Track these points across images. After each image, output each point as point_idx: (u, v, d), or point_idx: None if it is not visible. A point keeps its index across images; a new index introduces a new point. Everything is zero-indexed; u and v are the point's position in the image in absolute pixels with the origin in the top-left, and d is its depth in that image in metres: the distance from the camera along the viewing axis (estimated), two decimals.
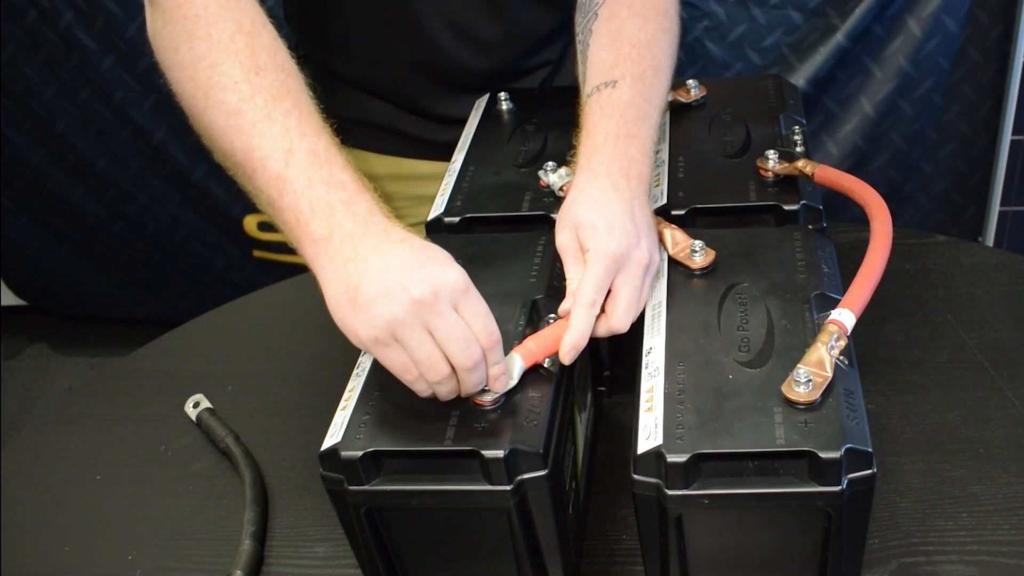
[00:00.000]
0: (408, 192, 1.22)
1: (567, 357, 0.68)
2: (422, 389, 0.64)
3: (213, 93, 0.71)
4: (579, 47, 0.92)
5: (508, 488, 0.61)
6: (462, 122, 1.05)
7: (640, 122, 0.80)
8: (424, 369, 0.63)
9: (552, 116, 1.00)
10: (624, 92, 0.81)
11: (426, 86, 1.12)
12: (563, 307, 0.71)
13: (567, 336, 0.68)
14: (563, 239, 0.75)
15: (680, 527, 0.62)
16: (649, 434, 0.60)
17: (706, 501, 0.59)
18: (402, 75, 1.12)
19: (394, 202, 1.22)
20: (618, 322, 0.70)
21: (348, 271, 0.64)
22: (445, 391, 0.64)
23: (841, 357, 0.63)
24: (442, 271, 0.64)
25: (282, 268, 2.09)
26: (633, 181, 0.76)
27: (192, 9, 0.73)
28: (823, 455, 0.57)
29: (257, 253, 2.12)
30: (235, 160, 0.71)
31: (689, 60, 1.78)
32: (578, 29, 0.93)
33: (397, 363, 0.63)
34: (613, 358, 0.91)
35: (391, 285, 0.62)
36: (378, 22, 1.06)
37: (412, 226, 1.23)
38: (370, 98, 1.16)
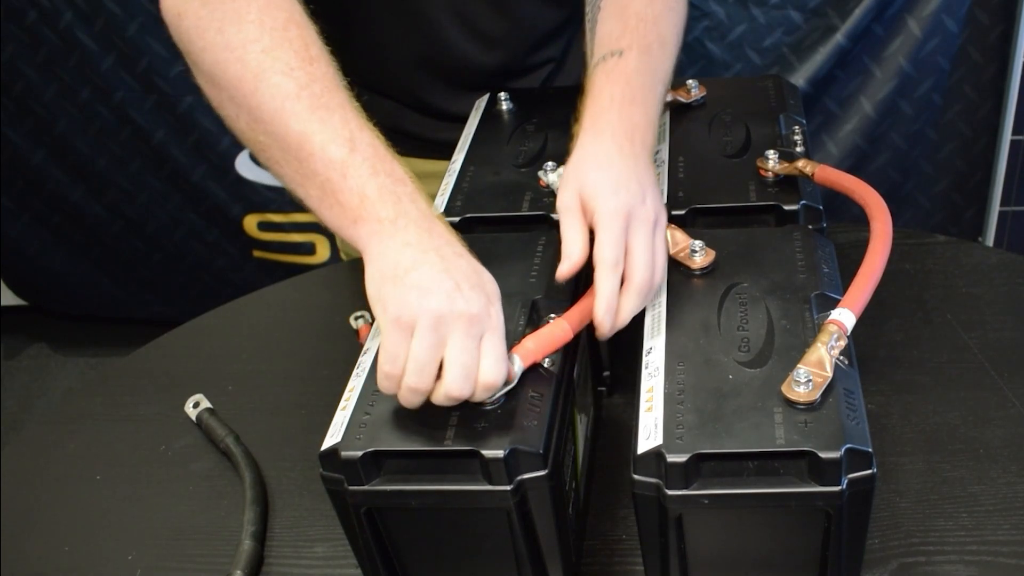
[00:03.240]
0: None
1: (605, 326, 0.67)
2: (388, 386, 0.63)
3: (267, 76, 0.71)
4: (587, 24, 0.92)
5: (508, 488, 0.61)
6: (464, 120, 1.05)
7: (646, 90, 0.79)
8: (413, 370, 0.62)
9: (552, 116, 1.00)
10: (631, 61, 0.81)
11: (431, 82, 1.12)
12: (561, 271, 0.70)
13: (599, 304, 0.67)
14: (565, 198, 0.73)
15: (680, 527, 0.62)
16: (649, 434, 0.60)
17: (706, 501, 0.59)
18: (407, 71, 1.12)
19: None
20: (640, 280, 0.69)
21: (404, 254, 0.65)
22: (411, 398, 0.63)
23: (841, 357, 0.63)
24: (488, 302, 0.64)
25: (282, 268, 2.09)
26: (637, 145, 0.75)
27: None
28: (823, 455, 0.57)
29: (257, 253, 2.12)
30: (287, 142, 0.70)
31: (689, 60, 1.78)
32: (588, 7, 0.93)
33: (392, 349, 0.62)
34: (613, 358, 0.91)
35: (443, 285, 0.63)
36: (384, 16, 1.06)
37: None
38: (373, 96, 1.16)
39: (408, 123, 1.16)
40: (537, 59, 1.15)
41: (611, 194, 0.70)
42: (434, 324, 0.62)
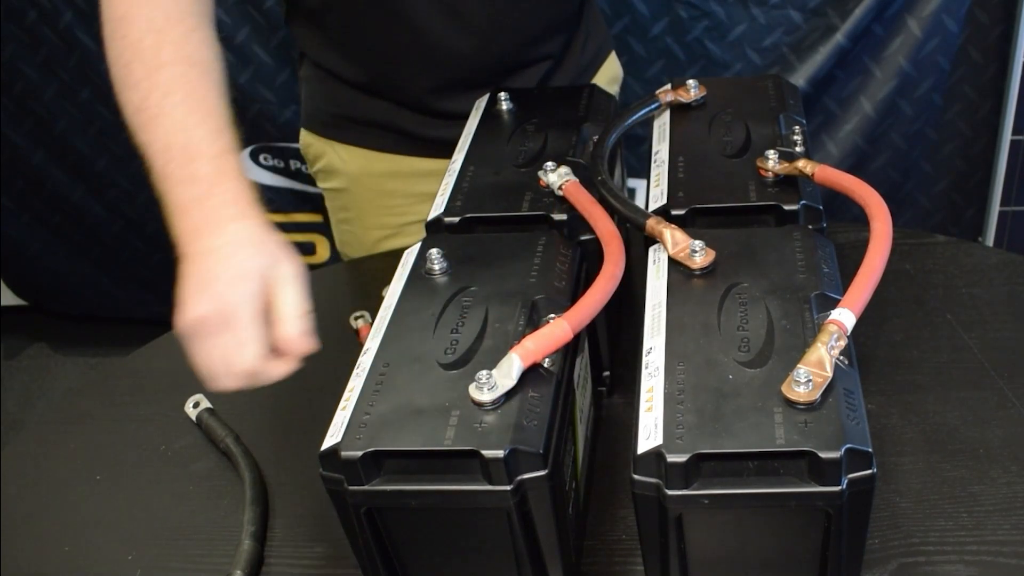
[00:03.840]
0: (408, 189, 1.22)
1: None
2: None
3: (123, 92, 0.79)
4: None
5: (508, 488, 0.61)
6: (462, 118, 1.05)
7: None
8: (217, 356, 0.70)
9: (552, 116, 1.01)
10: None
11: (425, 80, 1.12)
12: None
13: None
14: None
15: (680, 527, 0.62)
16: (649, 434, 0.60)
17: (706, 501, 0.59)
18: (400, 71, 1.12)
19: (394, 199, 1.22)
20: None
21: (188, 268, 0.74)
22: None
23: (841, 357, 0.63)
24: (275, 257, 0.73)
25: None
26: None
27: (118, 10, 0.79)
28: (823, 455, 0.57)
29: None
30: (138, 144, 0.77)
31: (689, 60, 1.78)
32: None
33: (202, 354, 0.72)
34: (613, 358, 0.91)
35: (204, 290, 0.72)
36: (369, 12, 1.06)
37: (413, 224, 1.23)
38: (369, 96, 1.16)
39: (405, 122, 1.16)
40: (534, 55, 1.14)
41: None
42: (200, 333, 0.73)
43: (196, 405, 0.95)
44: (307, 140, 1.25)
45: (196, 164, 0.73)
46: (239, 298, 0.70)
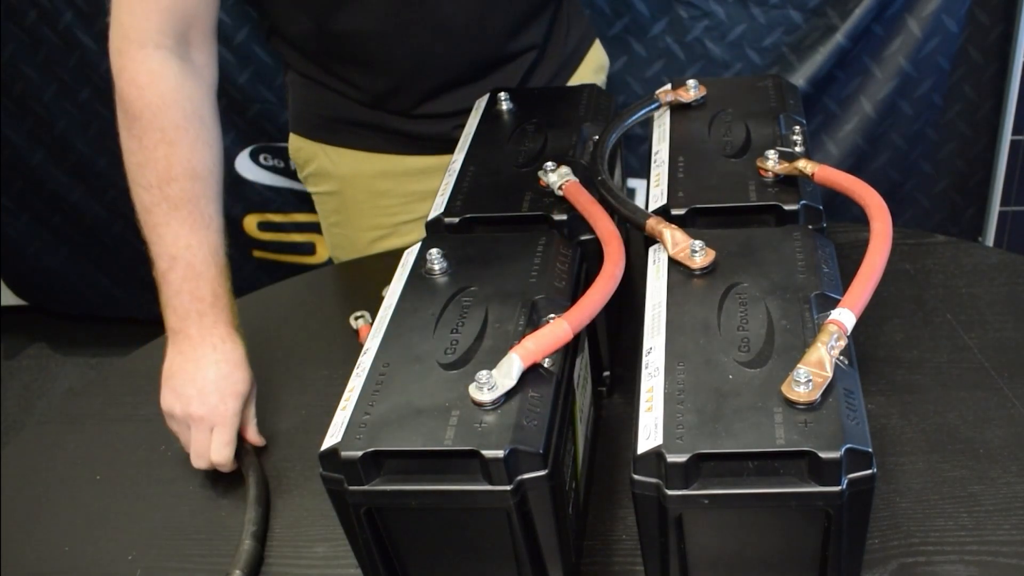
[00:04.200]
0: (400, 189, 1.22)
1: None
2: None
3: (135, 189, 0.92)
4: None
5: (508, 488, 0.61)
6: (453, 115, 1.05)
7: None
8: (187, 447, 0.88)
9: (552, 116, 1.01)
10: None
11: (411, 88, 1.12)
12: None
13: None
14: None
15: (680, 527, 0.62)
16: (649, 434, 0.60)
17: (706, 501, 0.59)
18: (385, 83, 1.12)
19: (386, 199, 1.22)
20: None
21: (175, 361, 0.88)
22: (196, 461, 0.88)
23: (841, 357, 0.63)
24: (220, 401, 0.86)
25: (282, 268, 2.09)
26: None
27: (132, 107, 0.90)
28: (823, 455, 0.57)
29: (257, 253, 2.12)
30: (144, 238, 0.91)
31: (689, 60, 1.78)
32: None
33: (173, 430, 0.89)
34: (613, 358, 0.91)
35: (187, 391, 0.87)
36: (349, 40, 1.07)
37: (406, 223, 1.23)
38: (357, 103, 1.16)
39: (394, 122, 1.16)
40: (516, 47, 1.15)
41: None
42: (181, 419, 0.87)
43: None
44: (297, 144, 1.25)
45: (199, 283, 0.88)
46: (204, 412, 0.86)
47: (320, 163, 1.23)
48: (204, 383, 0.86)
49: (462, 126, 1.02)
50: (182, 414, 0.86)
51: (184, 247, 0.88)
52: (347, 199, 1.25)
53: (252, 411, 0.91)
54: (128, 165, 0.92)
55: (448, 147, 1.15)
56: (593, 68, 1.27)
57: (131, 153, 0.92)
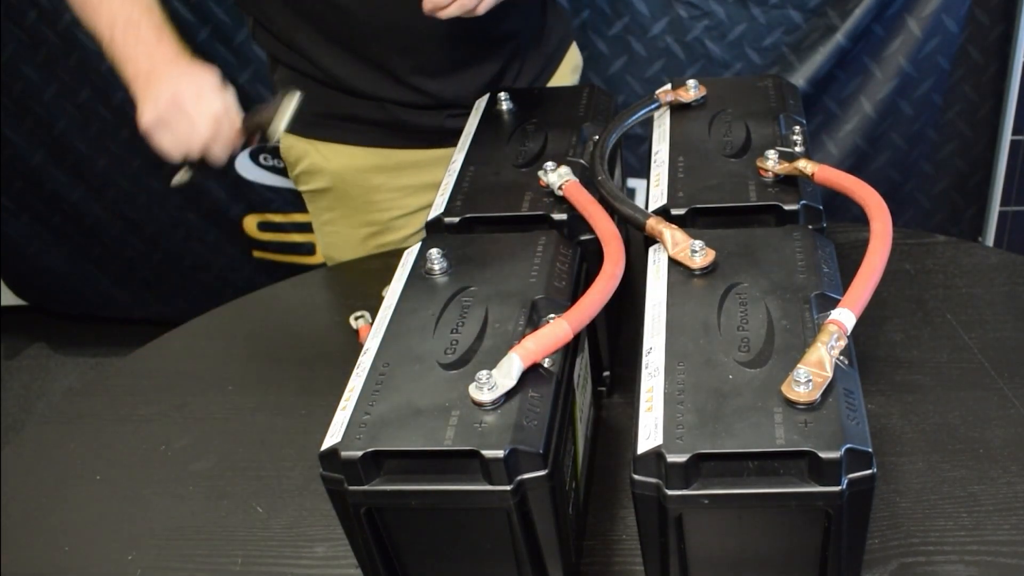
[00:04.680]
0: (393, 183, 1.22)
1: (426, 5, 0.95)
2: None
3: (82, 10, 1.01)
4: None
5: (508, 488, 0.61)
6: (442, 107, 1.05)
7: None
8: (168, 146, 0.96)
9: (552, 116, 1.01)
10: None
11: (399, 67, 1.13)
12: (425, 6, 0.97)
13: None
14: None
15: (680, 527, 0.62)
16: (649, 434, 0.60)
17: (706, 501, 0.59)
18: (361, 57, 1.12)
19: (379, 194, 1.23)
20: None
21: (142, 90, 0.96)
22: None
23: (841, 357, 0.63)
24: (209, 92, 0.96)
25: (282, 268, 2.09)
26: None
27: None
28: (823, 455, 0.57)
29: (257, 253, 2.12)
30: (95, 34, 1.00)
31: (689, 60, 1.78)
32: None
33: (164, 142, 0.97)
34: (613, 358, 0.91)
35: (162, 95, 0.95)
36: (335, 30, 1.09)
37: (400, 218, 1.25)
38: (348, 94, 1.16)
39: (386, 114, 1.17)
40: (496, 31, 1.15)
41: None
42: (164, 116, 0.96)
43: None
44: (288, 142, 1.25)
45: (139, 31, 0.98)
46: (185, 88, 0.94)
47: (312, 160, 1.23)
48: (178, 86, 0.95)
49: (454, 116, 1.03)
50: (166, 105, 0.94)
51: (118, 13, 0.98)
52: (340, 195, 1.25)
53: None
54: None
55: (442, 139, 1.16)
56: (570, 68, 1.30)
57: None
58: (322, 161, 1.22)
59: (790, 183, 0.82)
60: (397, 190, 1.22)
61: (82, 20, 1.01)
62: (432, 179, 1.25)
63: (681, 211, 0.81)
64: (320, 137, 1.21)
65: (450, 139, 1.07)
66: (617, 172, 1.01)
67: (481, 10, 0.99)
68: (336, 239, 1.30)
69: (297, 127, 1.23)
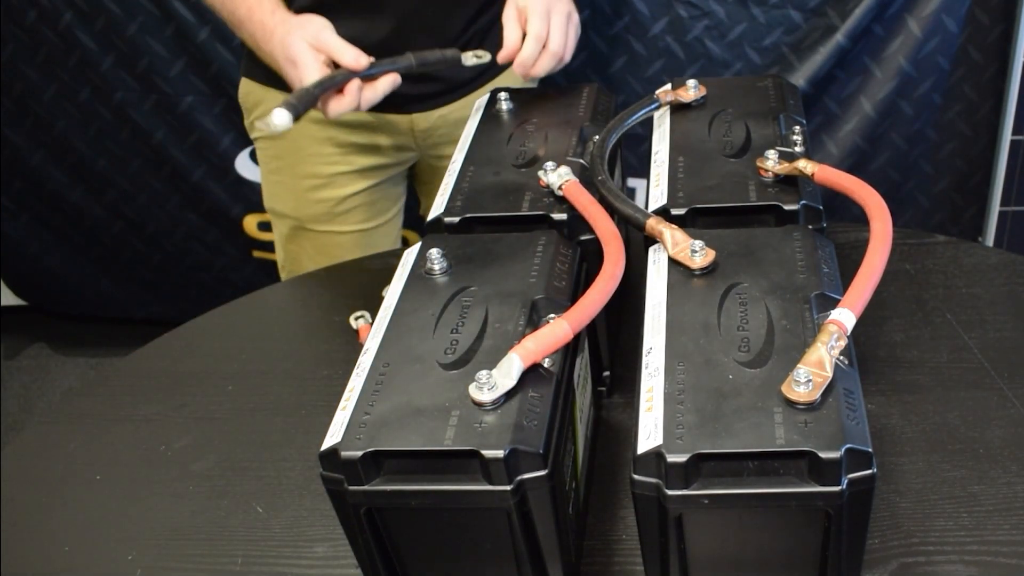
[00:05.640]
0: (341, 138, 1.28)
1: (521, 69, 1.06)
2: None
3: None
4: None
5: (508, 488, 0.61)
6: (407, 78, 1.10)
7: None
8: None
9: (552, 116, 1.01)
10: None
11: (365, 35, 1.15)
12: (503, 54, 1.07)
13: (522, 56, 1.05)
14: (508, 12, 1.09)
15: (680, 527, 0.62)
16: (649, 434, 0.60)
17: (706, 501, 0.59)
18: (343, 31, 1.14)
19: (326, 147, 1.29)
20: (555, 47, 1.07)
21: (274, 45, 1.09)
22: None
23: (841, 357, 0.63)
24: (291, 65, 1.06)
25: None
26: None
27: None
28: (823, 455, 0.57)
29: (257, 253, 2.12)
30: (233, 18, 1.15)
31: (689, 59, 1.78)
32: None
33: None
34: (613, 358, 0.91)
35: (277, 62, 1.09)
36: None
37: (343, 174, 1.33)
38: None
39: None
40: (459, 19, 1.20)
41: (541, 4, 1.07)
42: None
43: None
44: (246, 88, 1.30)
45: (236, 5, 1.12)
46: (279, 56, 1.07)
47: (268, 106, 1.24)
48: (278, 55, 1.07)
49: (408, 82, 1.09)
50: (286, 77, 1.07)
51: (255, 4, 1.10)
52: (288, 144, 1.29)
53: (334, 42, 1.04)
54: None
55: (398, 107, 1.22)
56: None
57: None
58: None
59: (790, 183, 0.82)
60: (343, 146, 1.27)
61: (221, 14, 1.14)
62: (378, 142, 1.31)
63: (681, 211, 0.81)
64: (278, 87, 1.23)
65: (401, 104, 1.17)
66: (617, 172, 1.01)
67: (568, 57, 1.09)
68: (279, 189, 1.35)
69: (258, 75, 1.28)
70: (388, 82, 1.06)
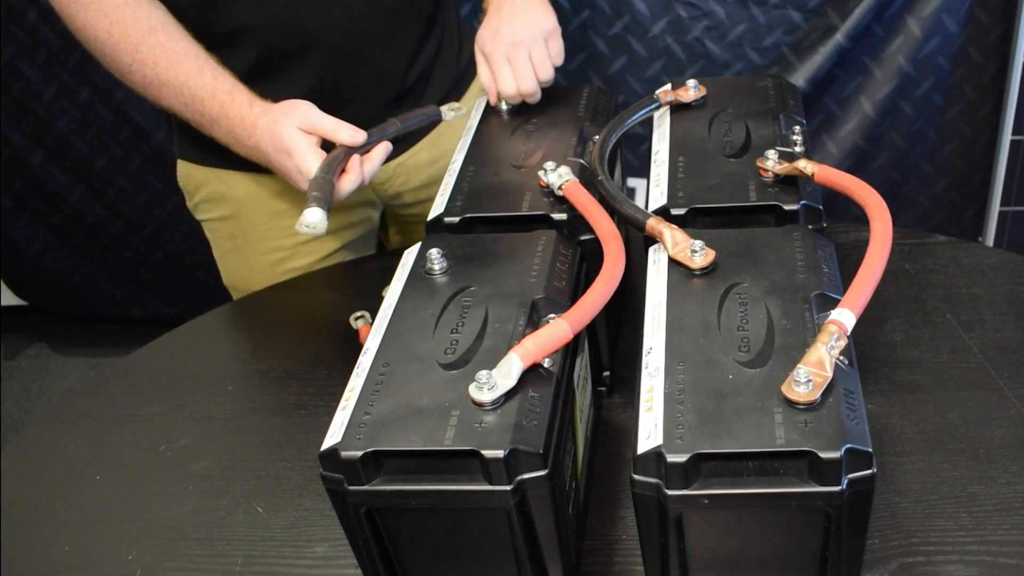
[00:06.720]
0: (300, 208, 1.19)
1: (491, 95, 1.05)
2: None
3: (127, 79, 1.05)
4: None
5: (508, 488, 0.61)
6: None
7: None
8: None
9: (552, 116, 1.01)
10: None
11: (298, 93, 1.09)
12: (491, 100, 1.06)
13: (494, 85, 1.04)
14: (481, 66, 1.07)
15: (680, 527, 0.62)
16: (649, 434, 0.60)
17: (706, 501, 0.59)
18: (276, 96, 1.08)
19: (286, 219, 1.20)
20: (524, 88, 1.03)
21: (259, 138, 1.01)
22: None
23: (841, 357, 0.63)
24: (280, 157, 0.99)
25: None
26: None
27: (67, 11, 1.02)
28: (823, 455, 0.57)
29: None
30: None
31: (689, 60, 1.78)
32: None
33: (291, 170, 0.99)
34: (613, 358, 0.91)
35: (267, 157, 1.02)
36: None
37: (307, 243, 1.24)
38: None
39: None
40: (391, 55, 1.16)
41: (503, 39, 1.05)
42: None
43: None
44: (185, 171, 1.22)
45: (205, 104, 1.02)
46: (268, 151, 1.00)
47: (213, 188, 1.20)
48: (266, 148, 1.00)
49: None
50: (278, 168, 1.00)
51: (184, 84, 1.02)
52: (244, 222, 1.22)
53: (327, 122, 0.98)
54: (105, 61, 1.04)
55: None
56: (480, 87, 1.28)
57: (101, 50, 1.03)
58: (224, 189, 1.19)
59: (790, 183, 0.82)
60: (270, 214, 1.19)
61: (154, 101, 1.05)
62: (340, 203, 1.23)
63: (681, 211, 0.81)
64: (221, 165, 1.18)
65: None
66: (617, 172, 1.01)
67: (548, 77, 1.05)
68: (242, 268, 1.26)
69: (195, 155, 1.20)
70: (383, 150, 1.01)
